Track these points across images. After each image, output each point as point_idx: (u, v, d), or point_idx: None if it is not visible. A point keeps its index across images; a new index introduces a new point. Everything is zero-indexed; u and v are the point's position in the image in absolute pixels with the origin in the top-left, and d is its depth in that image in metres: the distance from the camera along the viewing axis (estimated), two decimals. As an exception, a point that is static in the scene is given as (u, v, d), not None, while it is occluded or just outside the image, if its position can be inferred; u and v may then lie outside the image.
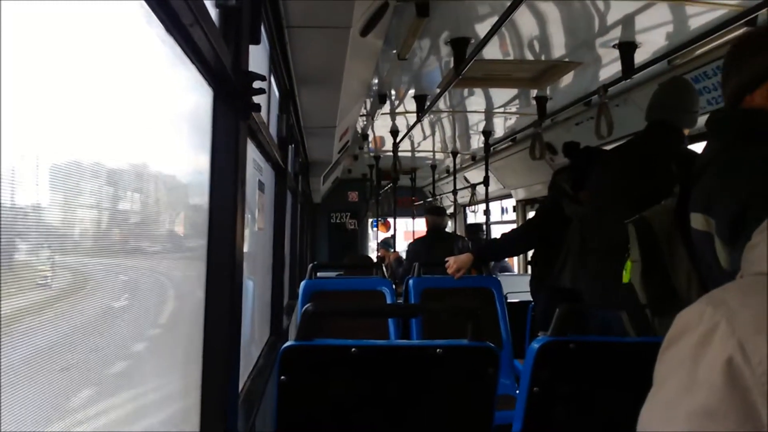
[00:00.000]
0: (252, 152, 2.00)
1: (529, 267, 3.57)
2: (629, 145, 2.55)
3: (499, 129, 5.30)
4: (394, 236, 7.13)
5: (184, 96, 1.18)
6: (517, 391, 1.56)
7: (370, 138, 5.92)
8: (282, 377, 1.36)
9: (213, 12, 1.24)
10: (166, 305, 1.13)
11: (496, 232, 6.40)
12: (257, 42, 1.51)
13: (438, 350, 1.40)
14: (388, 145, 5.85)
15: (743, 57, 1.51)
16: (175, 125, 1.14)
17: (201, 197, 1.29)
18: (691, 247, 1.57)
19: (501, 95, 4.12)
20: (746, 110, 1.52)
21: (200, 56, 1.13)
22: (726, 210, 1.42)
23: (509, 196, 6.94)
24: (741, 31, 2.38)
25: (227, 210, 1.32)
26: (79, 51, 0.69)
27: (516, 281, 4.84)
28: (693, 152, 1.78)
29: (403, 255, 6.22)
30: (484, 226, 6.10)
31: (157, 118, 1.03)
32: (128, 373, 0.92)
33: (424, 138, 6.09)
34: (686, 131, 2.38)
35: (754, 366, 0.53)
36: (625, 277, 1.80)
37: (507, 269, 6.14)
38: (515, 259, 6.82)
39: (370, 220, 10.57)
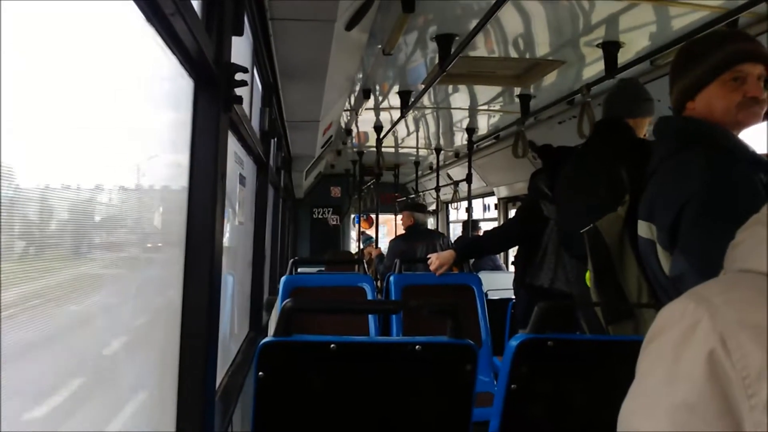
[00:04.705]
0: (233, 145, 1.98)
1: (512, 265, 3.59)
2: (582, 146, 2.55)
3: (483, 126, 5.31)
4: (376, 232, 7.13)
5: (163, 86, 1.16)
6: (496, 388, 1.57)
7: (354, 133, 5.90)
8: (260, 373, 1.35)
9: (195, 1, 1.22)
10: (142, 299, 1.11)
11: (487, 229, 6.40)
12: (240, 33, 1.49)
13: (417, 347, 1.40)
14: (372, 140, 5.83)
15: (685, 65, 1.57)
16: (154, 115, 1.12)
17: (179, 189, 1.27)
18: (640, 254, 1.60)
19: (485, 92, 4.13)
20: (686, 118, 1.58)
21: (181, 46, 1.11)
22: (665, 218, 1.45)
23: (492, 193, 6.97)
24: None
25: (206, 203, 1.31)
26: (56, 38, 0.67)
27: (496, 278, 4.87)
28: (646, 151, 1.81)
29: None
30: (478, 223, 6.07)
31: (136, 108, 1.01)
32: (101, 368, 0.90)
33: (408, 134, 6.08)
34: (637, 125, 2.35)
35: (735, 361, 0.54)
36: (588, 284, 1.83)
37: (500, 268, 6.13)
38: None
39: (352, 216, 10.56)
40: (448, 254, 3.31)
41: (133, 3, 0.88)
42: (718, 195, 1.38)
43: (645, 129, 2.41)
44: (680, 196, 1.41)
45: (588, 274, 1.85)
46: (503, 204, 6.72)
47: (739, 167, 1.45)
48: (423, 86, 3.67)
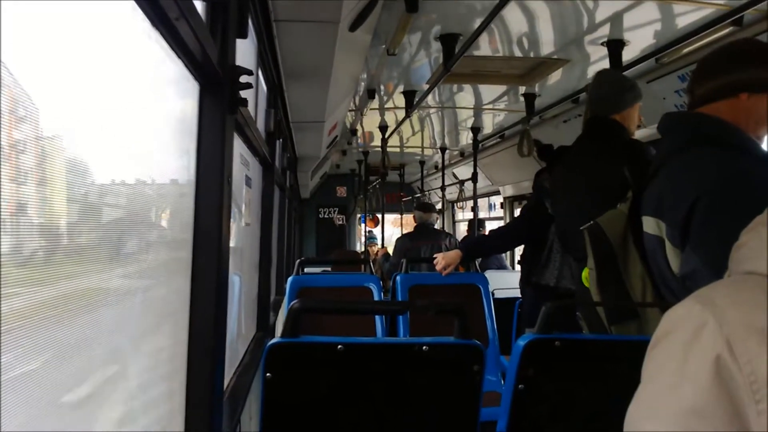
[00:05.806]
0: (239, 147, 1.98)
1: (517, 264, 3.59)
2: (573, 145, 2.49)
3: (488, 125, 5.31)
4: (382, 232, 7.14)
5: (169, 89, 1.17)
6: (503, 388, 1.56)
7: (359, 133, 5.91)
8: (267, 374, 1.35)
9: (199, 5, 1.22)
10: (151, 301, 1.12)
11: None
12: (244, 36, 1.49)
13: (424, 347, 1.40)
14: (377, 140, 5.84)
15: (720, 66, 1.52)
16: (160, 119, 1.12)
17: (186, 192, 1.27)
18: (644, 251, 1.57)
19: (490, 92, 4.13)
20: (702, 114, 1.53)
21: (186, 50, 1.11)
22: (676, 214, 1.42)
23: (497, 192, 6.96)
24: (726, 31, 2.40)
25: (213, 205, 1.31)
26: (62, 43, 0.68)
27: (503, 277, 4.86)
28: (644, 152, 1.75)
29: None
30: (484, 222, 6.06)
31: (142, 111, 1.02)
32: (111, 367, 0.91)
33: (413, 134, 6.09)
34: (625, 117, 2.24)
35: (742, 365, 0.53)
36: (585, 283, 1.81)
37: (504, 268, 6.10)
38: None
39: (358, 216, 10.56)
40: (454, 254, 3.31)
41: (138, 7, 0.89)
42: (733, 192, 1.35)
43: (636, 115, 2.27)
44: (692, 192, 1.38)
45: (585, 273, 1.82)
46: (509, 203, 6.72)
47: (753, 165, 1.43)
48: (427, 86, 3.67)
